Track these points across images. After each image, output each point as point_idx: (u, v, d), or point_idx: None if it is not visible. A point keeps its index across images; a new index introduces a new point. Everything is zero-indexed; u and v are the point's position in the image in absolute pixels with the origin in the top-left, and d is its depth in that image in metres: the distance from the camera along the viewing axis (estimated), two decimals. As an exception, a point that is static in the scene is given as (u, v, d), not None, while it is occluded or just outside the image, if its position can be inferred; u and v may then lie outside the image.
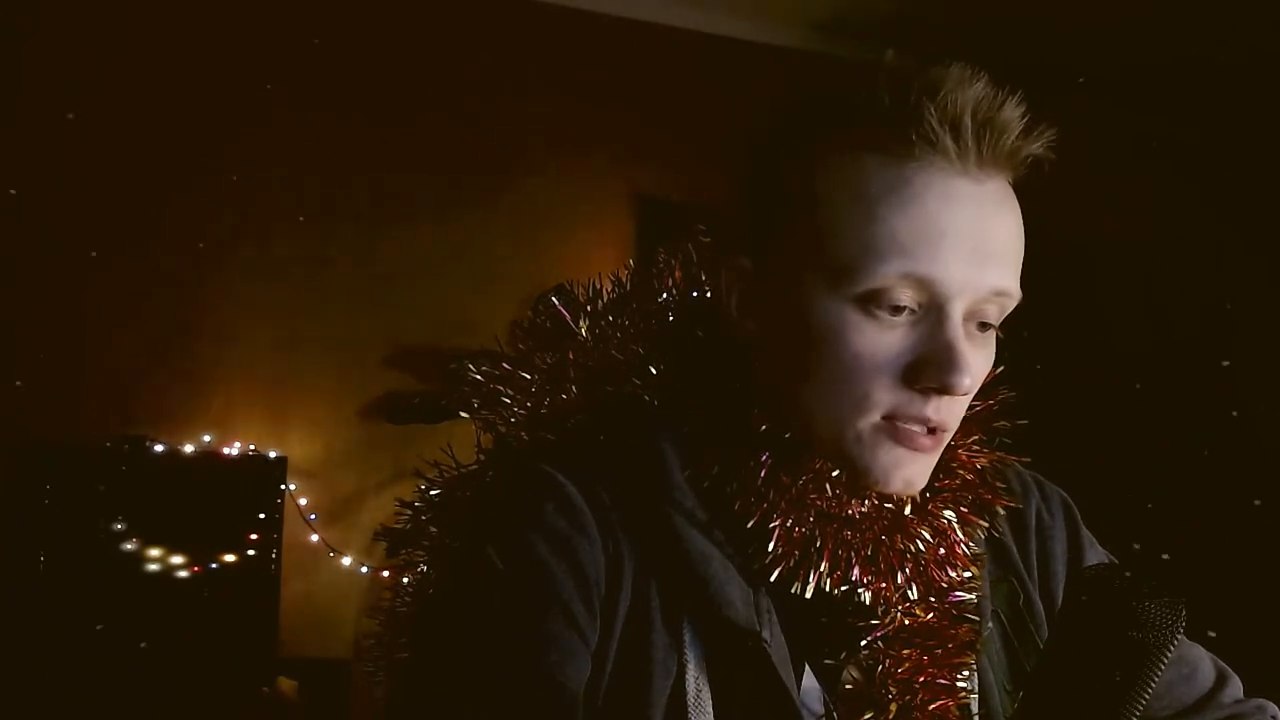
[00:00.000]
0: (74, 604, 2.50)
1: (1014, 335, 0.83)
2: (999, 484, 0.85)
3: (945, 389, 0.71)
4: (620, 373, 0.88)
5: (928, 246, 0.70)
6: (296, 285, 3.05)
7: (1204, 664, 0.92)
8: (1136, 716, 0.63)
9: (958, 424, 0.76)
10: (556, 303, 1.01)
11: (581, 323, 0.99)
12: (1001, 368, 0.85)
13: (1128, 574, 0.68)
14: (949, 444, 0.80)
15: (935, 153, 0.70)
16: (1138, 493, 3.04)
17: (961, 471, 0.83)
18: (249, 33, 3.04)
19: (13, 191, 2.76)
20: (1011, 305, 0.75)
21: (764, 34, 3.54)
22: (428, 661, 0.76)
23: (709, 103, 3.15)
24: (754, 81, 2.94)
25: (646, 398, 0.84)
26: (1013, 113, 0.70)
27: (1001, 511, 0.85)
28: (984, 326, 0.75)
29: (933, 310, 0.72)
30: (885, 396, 0.72)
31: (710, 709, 0.74)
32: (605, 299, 1.01)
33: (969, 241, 0.70)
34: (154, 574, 2.59)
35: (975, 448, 0.84)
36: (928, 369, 0.71)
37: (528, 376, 0.98)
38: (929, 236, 0.70)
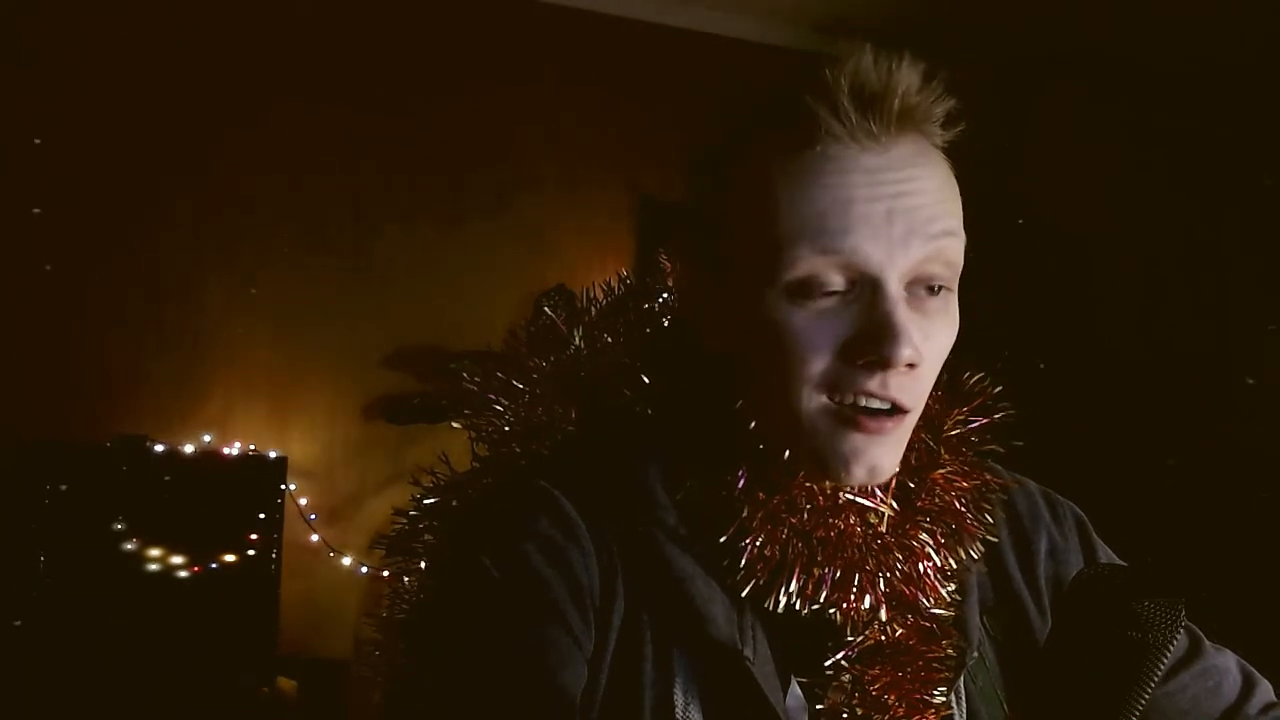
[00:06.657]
0: (74, 604, 2.50)
1: (1008, 341, 0.82)
2: (987, 509, 0.83)
3: (884, 361, 0.70)
4: (613, 384, 0.88)
5: (836, 220, 0.70)
6: (296, 286, 3.05)
7: (1230, 673, 0.89)
8: (1136, 716, 0.63)
9: (920, 403, 0.75)
10: (549, 312, 1.01)
11: (576, 332, 0.98)
12: (1000, 387, 0.85)
13: (1126, 574, 0.68)
14: (931, 464, 0.80)
15: (826, 135, 0.71)
16: (1134, 491, 3.03)
17: (941, 493, 0.81)
18: (251, 32, 3.04)
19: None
20: (956, 262, 0.74)
21: (764, 34, 3.54)
22: (425, 667, 0.76)
23: (711, 103, 3.15)
24: (754, 81, 2.93)
25: (638, 409, 0.84)
26: (901, 75, 0.70)
27: (980, 540, 0.82)
28: (934, 290, 0.74)
29: (865, 286, 0.71)
30: (824, 373, 0.72)
31: None
32: (599, 306, 1.01)
33: (880, 207, 0.70)
34: (154, 574, 2.58)
35: (965, 467, 0.83)
36: (864, 342, 0.71)
37: (521, 386, 0.97)
38: (835, 211, 0.70)
